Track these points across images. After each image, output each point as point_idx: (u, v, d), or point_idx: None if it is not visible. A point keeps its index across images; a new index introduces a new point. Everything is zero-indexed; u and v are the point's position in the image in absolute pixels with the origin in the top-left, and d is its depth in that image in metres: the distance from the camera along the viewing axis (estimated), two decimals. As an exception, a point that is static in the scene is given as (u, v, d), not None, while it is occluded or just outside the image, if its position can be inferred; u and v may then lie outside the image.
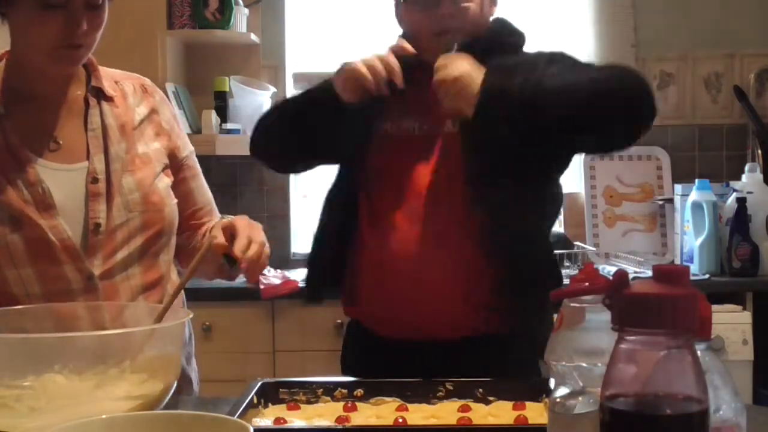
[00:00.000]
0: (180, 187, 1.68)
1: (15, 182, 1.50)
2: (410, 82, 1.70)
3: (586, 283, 0.88)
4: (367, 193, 1.77)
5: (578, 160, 3.76)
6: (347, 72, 1.70)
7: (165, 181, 1.63)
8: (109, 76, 1.65)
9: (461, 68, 1.62)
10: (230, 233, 1.51)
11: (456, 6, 1.70)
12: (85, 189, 1.54)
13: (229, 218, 1.62)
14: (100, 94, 1.61)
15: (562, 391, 0.92)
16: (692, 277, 2.69)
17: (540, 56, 1.73)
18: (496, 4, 1.80)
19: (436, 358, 1.66)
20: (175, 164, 1.68)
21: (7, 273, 1.48)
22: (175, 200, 1.64)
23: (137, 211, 1.57)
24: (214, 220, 1.74)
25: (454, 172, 1.68)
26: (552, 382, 0.94)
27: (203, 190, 1.75)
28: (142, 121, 1.65)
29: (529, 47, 1.85)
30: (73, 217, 1.53)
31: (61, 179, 1.54)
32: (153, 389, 1.25)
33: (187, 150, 1.72)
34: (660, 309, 0.73)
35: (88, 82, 1.62)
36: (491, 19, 1.80)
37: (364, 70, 1.68)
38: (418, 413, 1.39)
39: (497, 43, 1.76)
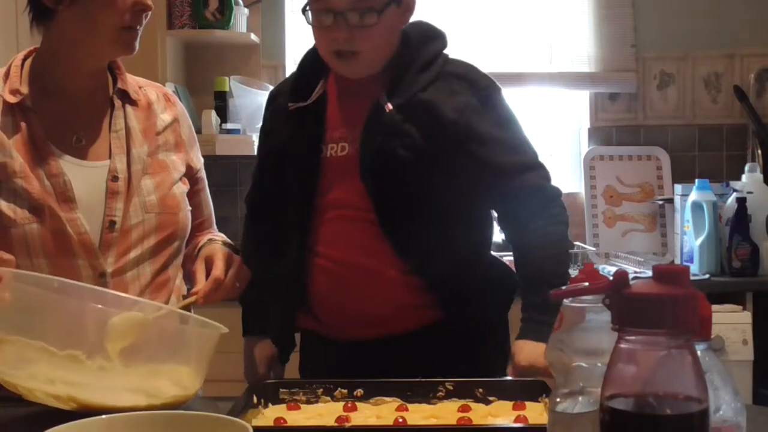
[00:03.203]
0: (191, 198, 1.72)
1: (38, 173, 1.53)
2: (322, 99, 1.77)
3: (586, 283, 0.88)
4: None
5: (578, 160, 3.77)
6: None
7: (182, 188, 1.67)
8: (133, 81, 1.69)
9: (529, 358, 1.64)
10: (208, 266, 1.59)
11: (350, 28, 1.66)
12: (105, 186, 1.57)
13: (215, 240, 1.69)
14: (125, 97, 1.65)
15: (562, 391, 0.92)
16: (692, 277, 2.69)
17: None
18: (410, 10, 1.75)
19: (384, 353, 1.71)
20: (190, 176, 1.72)
21: (21, 262, 1.49)
22: (189, 207, 1.68)
23: (153, 212, 1.60)
24: (212, 231, 1.80)
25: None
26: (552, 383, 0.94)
27: (208, 202, 1.81)
28: (166, 128, 1.69)
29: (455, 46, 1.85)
30: (92, 213, 1.55)
31: (82, 175, 1.56)
32: (185, 394, 1.33)
33: (200, 163, 1.77)
34: (660, 309, 0.73)
35: (113, 85, 1.65)
36: (409, 23, 1.77)
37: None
38: (418, 413, 1.39)
39: (418, 51, 1.75)
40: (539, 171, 1.77)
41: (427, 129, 1.69)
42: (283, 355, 1.86)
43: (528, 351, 1.62)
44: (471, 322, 1.75)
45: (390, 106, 1.69)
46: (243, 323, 1.90)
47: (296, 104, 1.78)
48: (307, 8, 1.70)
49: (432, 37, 1.80)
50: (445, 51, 1.80)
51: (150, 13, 1.57)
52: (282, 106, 1.81)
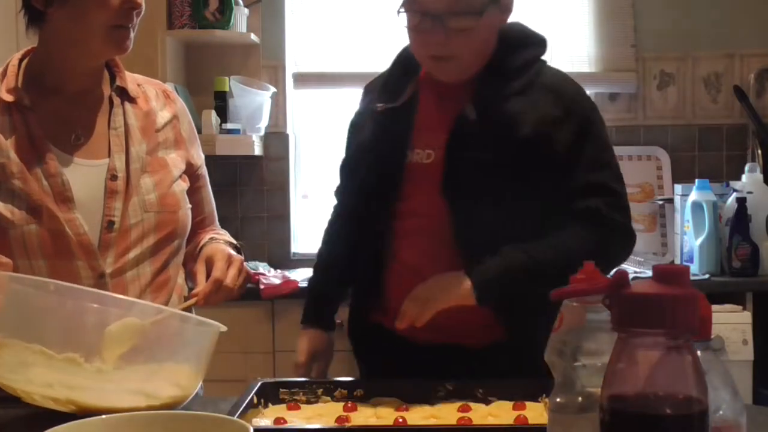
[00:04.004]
0: (192, 196, 1.70)
1: (35, 173, 1.52)
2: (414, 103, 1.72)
3: (586, 283, 0.88)
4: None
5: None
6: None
7: (182, 186, 1.66)
8: (131, 79, 1.68)
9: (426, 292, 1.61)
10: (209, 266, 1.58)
11: (447, 32, 1.60)
12: (103, 186, 1.56)
13: (216, 239, 1.68)
14: (124, 95, 1.64)
15: (562, 391, 0.92)
16: (692, 277, 2.69)
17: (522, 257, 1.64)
18: (508, 11, 1.68)
19: (454, 362, 1.67)
20: (190, 173, 1.71)
21: (19, 263, 1.49)
22: (189, 205, 1.67)
23: (153, 211, 1.59)
24: (215, 228, 1.79)
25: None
26: (552, 382, 0.94)
27: (210, 199, 1.79)
28: (165, 125, 1.68)
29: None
30: (91, 213, 1.54)
31: (81, 174, 1.56)
32: (184, 394, 1.33)
33: (201, 160, 1.76)
34: (660, 309, 0.73)
35: (112, 82, 1.64)
36: (507, 23, 1.71)
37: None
38: (418, 413, 1.39)
39: (511, 57, 1.69)
40: (607, 198, 1.67)
41: (505, 143, 1.63)
42: (357, 348, 1.86)
43: (423, 291, 1.61)
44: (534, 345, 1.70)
45: (473, 116, 1.64)
46: (303, 311, 1.89)
47: (384, 105, 1.74)
48: (401, 9, 1.64)
49: (528, 42, 1.73)
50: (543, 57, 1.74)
51: (142, 11, 1.56)
52: (372, 103, 1.78)
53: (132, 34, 1.56)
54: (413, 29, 1.64)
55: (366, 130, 1.79)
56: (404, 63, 1.77)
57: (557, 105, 1.66)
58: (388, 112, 1.74)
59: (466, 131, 1.65)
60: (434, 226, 1.68)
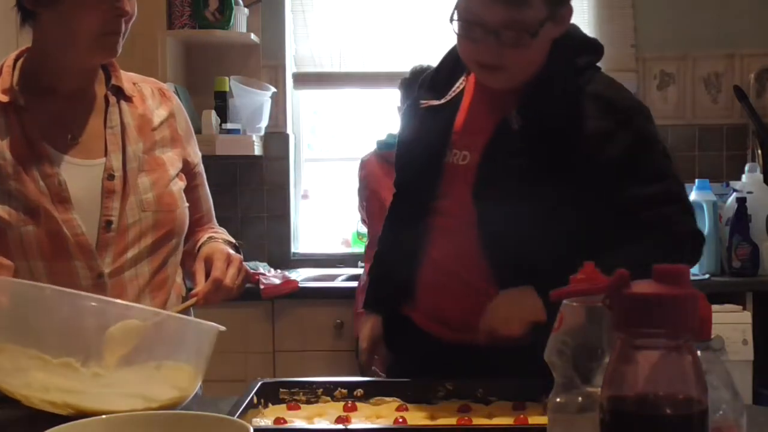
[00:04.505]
0: (190, 194, 1.70)
1: (32, 173, 1.51)
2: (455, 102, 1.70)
3: (586, 283, 0.88)
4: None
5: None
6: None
7: (179, 185, 1.66)
8: (127, 78, 1.67)
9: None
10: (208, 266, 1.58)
11: (501, 44, 1.55)
12: (100, 186, 1.56)
13: (215, 238, 1.67)
14: (120, 94, 1.63)
15: (562, 391, 0.92)
16: (692, 277, 2.68)
17: None
18: (565, 23, 1.62)
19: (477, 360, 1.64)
20: (187, 171, 1.70)
21: (17, 264, 1.48)
22: (187, 204, 1.66)
23: (150, 210, 1.58)
24: (213, 226, 1.79)
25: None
26: (552, 383, 0.94)
27: (207, 197, 1.79)
28: (162, 124, 1.67)
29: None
30: (88, 213, 1.54)
31: (77, 174, 1.55)
32: (181, 396, 1.33)
33: (198, 158, 1.76)
34: (660, 309, 0.73)
35: (107, 81, 1.64)
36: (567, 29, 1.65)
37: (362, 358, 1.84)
38: (418, 413, 1.39)
39: (564, 64, 1.65)
40: (675, 205, 1.64)
41: (550, 153, 1.60)
42: (391, 342, 1.85)
43: (502, 309, 1.59)
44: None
45: (517, 124, 1.61)
46: (365, 297, 1.91)
47: (428, 102, 1.73)
48: (454, 18, 1.60)
49: (583, 49, 1.69)
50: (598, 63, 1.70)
51: (133, 17, 1.55)
52: (416, 100, 1.78)
53: (121, 40, 1.55)
54: (464, 38, 1.61)
55: (409, 125, 1.79)
56: (453, 61, 1.75)
57: (607, 116, 1.62)
58: (433, 110, 1.73)
59: (507, 137, 1.62)
60: (462, 227, 1.67)
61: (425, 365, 1.67)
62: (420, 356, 1.74)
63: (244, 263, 1.59)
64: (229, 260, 1.55)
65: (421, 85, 1.83)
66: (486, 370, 1.55)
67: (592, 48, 1.70)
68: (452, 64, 1.75)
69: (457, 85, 1.73)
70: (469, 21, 1.58)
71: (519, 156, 1.61)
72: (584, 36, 1.72)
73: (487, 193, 1.64)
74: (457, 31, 1.61)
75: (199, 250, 1.62)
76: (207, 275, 1.53)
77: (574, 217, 1.61)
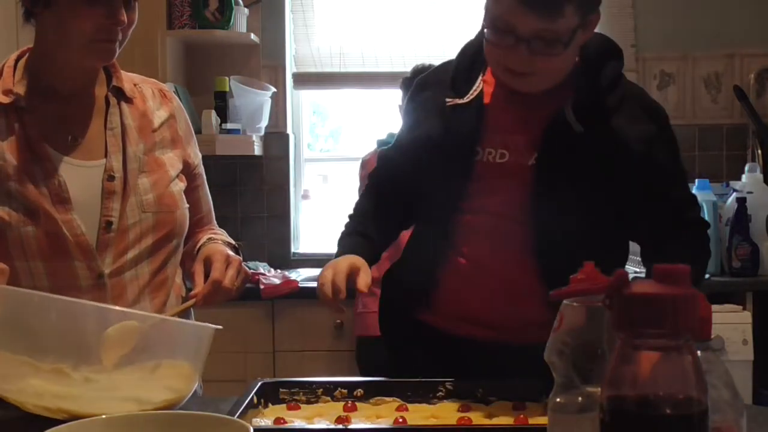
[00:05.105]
0: (190, 195, 1.70)
1: (32, 174, 1.52)
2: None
3: (586, 283, 0.88)
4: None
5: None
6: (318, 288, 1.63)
7: (179, 186, 1.66)
8: (128, 79, 1.67)
9: None
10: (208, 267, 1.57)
11: (531, 53, 1.56)
12: (101, 186, 1.56)
13: (215, 239, 1.67)
14: (121, 95, 1.63)
15: (562, 391, 0.92)
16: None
17: None
18: (593, 28, 1.63)
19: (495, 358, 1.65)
20: (187, 172, 1.70)
21: (17, 265, 1.49)
22: (187, 205, 1.67)
23: (150, 211, 1.58)
24: (213, 227, 1.79)
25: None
26: (552, 382, 0.94)
27: (207, 198, 1.79)
28: (162, 125, 1.67)
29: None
30: (88, 214, 1.54)
31: (78, 175, 1.55)
32: (177, 397, 1.32)
33: (198, 159, 1.75)
34: (660, 309, 0.73)
35: (108, 83, 1.64)
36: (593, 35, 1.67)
37: (324, 289, 1.60)
38: (418, 413, 1.39)
39: (601, 69, 1.67)
40: (698, 207, 1.78)
41: (611, 156, 1.62)
42: (390, 340, 1.84)
43: None
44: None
45: (580, 126, 1.62)
46: (337, 249, 1.75)
47: (453, 100, 1.71)
48: (485, 25, 1.61)
49: (612, 55, 1.70)
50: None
51: (133, 24, 1.54)
52: (432, 98, 1.75)
53: (117, 46, 1.54)
54: (494, 44, 1.61)
55: (429, 124, 1.75)
56: (470, 59, 1.75)
57: (652, 121, 1.68)
58: (455, 108, 1.71)
59: (568, 138, 1.62)
60: (507, 226, 1.66)
61: (430, 362, 1.66)
62: (436, 356, 1.73)
63: (243, 264, 1.59)
64: (228, 261, 1.55)
65: (429, 82, 1.81)
66: (504, 368, 1.54)
67: (618, 53, 1.73)
68: (469, 64, 1.74)
69: (477, 84, 1.72)
70: (500, 29, 1.58)
71: (581, 156, 1.62)
72: (611, 41, 1.74)
73: (548, 192, 1.63)
74: (487, 37, 1.61)
75: (198, 251, 1.63)
76: (206, 276, 1.53)
77: (623, 217, 1.68)
